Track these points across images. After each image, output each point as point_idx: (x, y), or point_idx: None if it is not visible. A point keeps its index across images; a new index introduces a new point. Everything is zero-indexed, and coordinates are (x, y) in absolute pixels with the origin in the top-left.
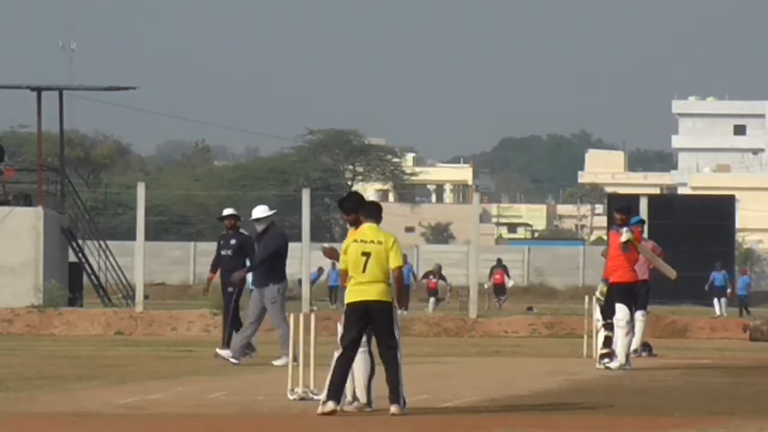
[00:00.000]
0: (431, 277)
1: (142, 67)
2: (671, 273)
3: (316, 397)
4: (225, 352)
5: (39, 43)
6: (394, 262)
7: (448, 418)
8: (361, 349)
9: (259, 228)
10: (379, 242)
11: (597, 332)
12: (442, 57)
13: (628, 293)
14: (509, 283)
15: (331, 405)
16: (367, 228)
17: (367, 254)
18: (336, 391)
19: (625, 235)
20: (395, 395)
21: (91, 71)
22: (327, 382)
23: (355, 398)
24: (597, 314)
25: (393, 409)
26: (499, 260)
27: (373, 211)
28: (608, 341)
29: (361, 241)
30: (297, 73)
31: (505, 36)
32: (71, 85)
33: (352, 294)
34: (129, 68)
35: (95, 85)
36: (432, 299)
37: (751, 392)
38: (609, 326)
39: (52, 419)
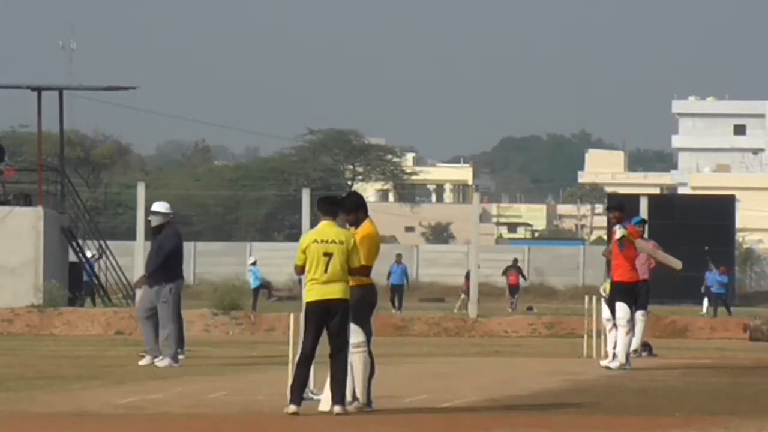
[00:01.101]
0: (511, 271)
1: (142, 67)
2: (676, 263)
3: (315, 397)
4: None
5: (39, 43)
6: (355, 262)
7: (448, 418)
8: (361, 349)
9: (154, 223)
10: (341, 242)
11: (609, 331)
12: (442, 57)
13: (629, 292)
14: (523, 284)
15: (293, 408)
16: (326, 226)
17: (329, 255)
18: (298, 394)
19: (618, 232)
20: (339, 396)
21: (91, 71)
22: (289, 385)
23: (355, 398)
24: (606, 314)
25: (337, 409)
26: (515, 260)
27: (332, 208)
28: None
29: (322, 241)
30: (297, 73)
31: (505, 36)
32: (71, 85)
33: (313, 293)
34: (129, 68)
35: (95, 85)
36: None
37: (751, 392)
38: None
39: (52, 419)
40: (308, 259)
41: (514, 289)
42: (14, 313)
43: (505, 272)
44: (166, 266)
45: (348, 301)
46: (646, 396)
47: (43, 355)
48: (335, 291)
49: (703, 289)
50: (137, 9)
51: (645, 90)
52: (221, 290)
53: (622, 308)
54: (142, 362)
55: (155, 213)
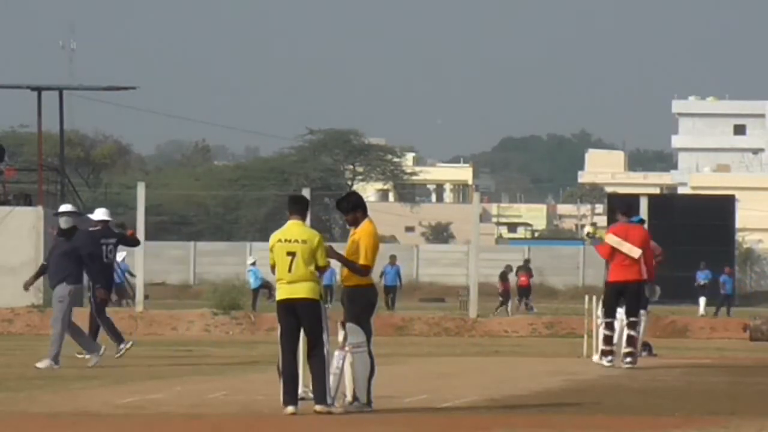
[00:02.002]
0: (522, 272)
1: (142, 67)
2: (634, 252)
3: None
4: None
5: (39, 43)
6: (320, 261)
7: (448, 418)
8: (361, 349)
9: (63, 225)
10: (304, 241)
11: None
12: (442, 57)
13: (615, 292)
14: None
15: (290, 409)
16: (292, 225)
17: (292, 254)
18: (291, 395)
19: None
20: (320, 395)
21: (91, 71)
22: (281, 386)
23: (355, 398)
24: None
25: (317, 407)
26: (526, 261)
27: (298, 207)
28: (609, 340)
29: (286, 240)
30: (297, 73)
31: (505, 36)
32: (71, 85)
33: (281, 292)
34: (129, 68)
35: (95, 85)
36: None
37: (751, 392)
38: (610, 325)
39: (52, 419)
40: (275, 258)
41: (524, 290)
42: (14, 313)
43: (516, 273)
44: (69, 267)
45: (316, 300)
46: (646, 396)
47: (43, 355)
48: (300, 290)
49: (696, 284)
50: (137, 9)
51: (645, 90)
52: (221, 290)
53: (600, 306)
54: (90, 362)
55: (69, 213)
